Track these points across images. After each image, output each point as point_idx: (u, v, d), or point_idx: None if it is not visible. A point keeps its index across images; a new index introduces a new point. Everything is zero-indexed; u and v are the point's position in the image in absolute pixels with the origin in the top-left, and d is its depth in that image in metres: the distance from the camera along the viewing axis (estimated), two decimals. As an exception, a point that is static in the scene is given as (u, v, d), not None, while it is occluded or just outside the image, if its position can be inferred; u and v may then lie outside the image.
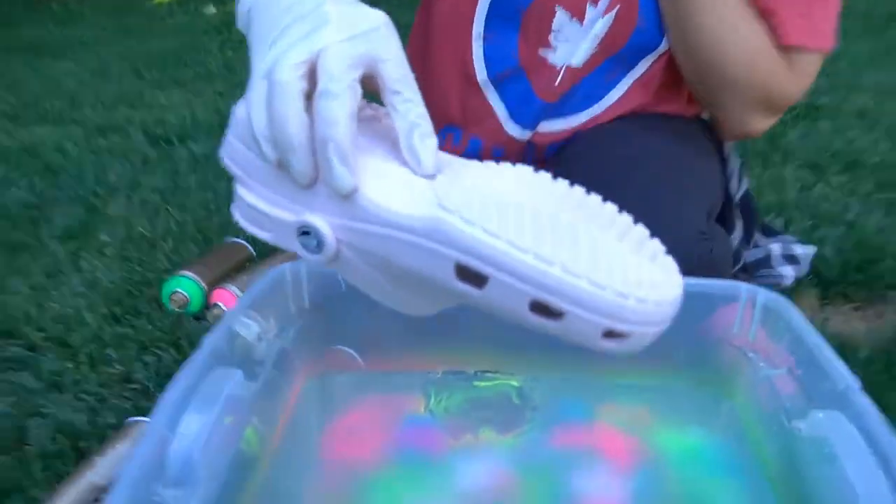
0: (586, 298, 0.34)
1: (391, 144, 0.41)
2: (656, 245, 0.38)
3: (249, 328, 0.53)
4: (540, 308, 0.35)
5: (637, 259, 0.36)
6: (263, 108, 0.37)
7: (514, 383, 0.58)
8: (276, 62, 0.37)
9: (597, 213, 0.37)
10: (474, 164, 0.41)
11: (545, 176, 0.39)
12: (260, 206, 0.40)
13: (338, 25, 0.38)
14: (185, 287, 1.08)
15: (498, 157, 0.77)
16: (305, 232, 0.39)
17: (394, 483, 0.50)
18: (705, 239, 0.62)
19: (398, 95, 0.39)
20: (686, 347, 0.57)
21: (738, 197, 0.81)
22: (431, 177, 0.38)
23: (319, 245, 0.39)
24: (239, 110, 0.40)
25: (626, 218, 0.38)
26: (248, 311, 0.52)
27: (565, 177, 0.40)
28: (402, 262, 0.38)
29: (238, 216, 0.42)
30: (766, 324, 0.53)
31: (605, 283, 0.34)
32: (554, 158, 0.76)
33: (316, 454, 0.53)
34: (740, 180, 0.82)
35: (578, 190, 0.39)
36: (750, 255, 0.85)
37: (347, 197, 0.37)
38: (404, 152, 0.39)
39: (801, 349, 0.49)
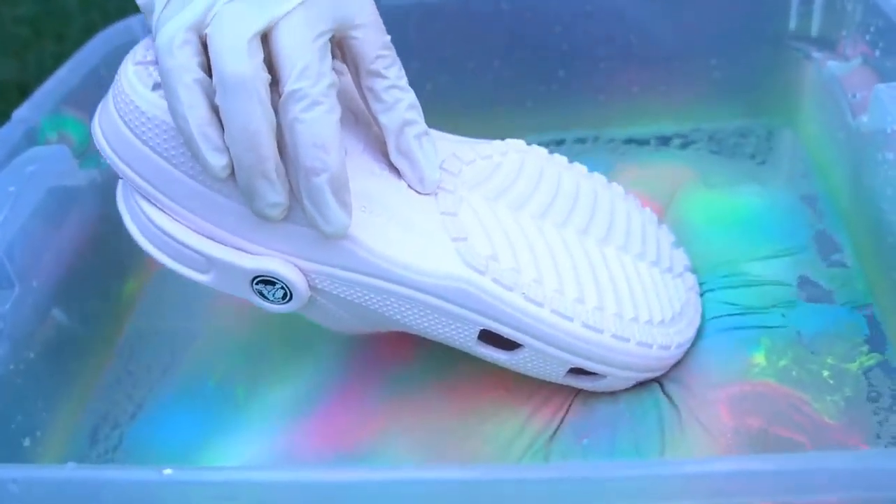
0: (633, 361, 0.38)
1: (367, 137, 0.38)
2: (681, 256, 0.44)
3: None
4: (578, 371, 0.39)
5: (675, 295, 0.41)
6: (203, 101, 0.32)
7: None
8: (221, 35, 0.32)
9: (624, 223, 0.41)
10: (469, 152, 0.40)
11: (560, 160, 0.42)
12: (185, 239, 0.36)
13: None
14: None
15: None
16: (266, 281, 0.36)
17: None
18: None
19: (380, 80, 0.36)
20: (725, 68, 0.54)
21: None
22: (433, 194, 0.38)
23: (287, 296, 0.37)
24: (132, 79, 0.35)
25: (651, 216, 0.44)
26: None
27: None
28: (402, 318, 0.37)
29: (141, 238, 0.37)
30: (832, 4, 0.49)
31: (651, 342, 0.38)
32: None
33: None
34: None
35: (598, 180, 0.43)
36: None
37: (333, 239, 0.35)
38: (395, 160, 0.38)
39: (881, 20, 0.44)
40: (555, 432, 0.39)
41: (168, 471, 0.26)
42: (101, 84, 0.51)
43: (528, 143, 0.56)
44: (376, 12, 0.36)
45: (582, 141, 0.56)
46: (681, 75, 0.55)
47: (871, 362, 0.39)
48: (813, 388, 0.38)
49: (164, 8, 0.33)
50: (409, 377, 0.42)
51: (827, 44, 0.50)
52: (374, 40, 0.35)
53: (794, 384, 0.38)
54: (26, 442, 0.40)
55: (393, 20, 0.52)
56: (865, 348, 0.39)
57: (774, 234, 0.46)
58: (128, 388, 0.45)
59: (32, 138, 0.46)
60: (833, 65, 0.48)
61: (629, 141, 0.56)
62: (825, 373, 0.38)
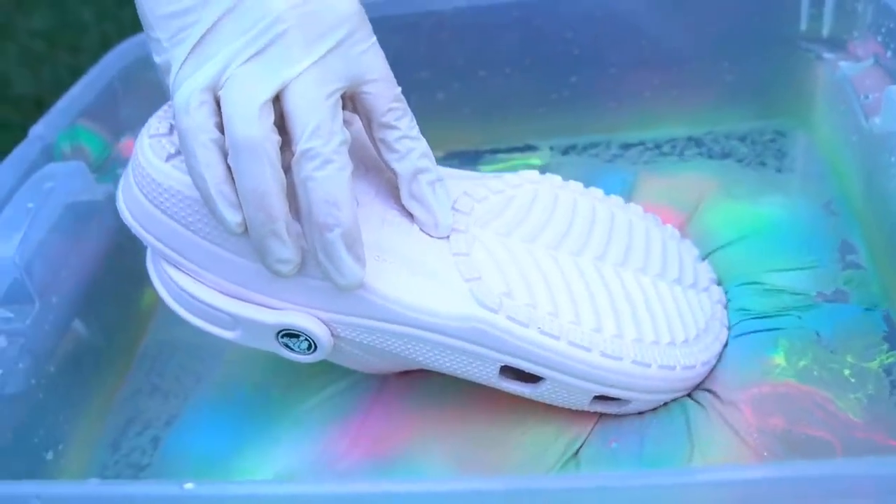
0: (657, 385, 0.39)
1: (378, 183, 0.39)
2: (706, 269, 0.44)
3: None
4: (603, 397, 0.39)
5: (699, 311, 0.41)
6: (219, 160, 0.33)
7: (536, 161, 0.56)
8: (233, 100, 0.32)
9: (642, 243, 0.42)
10: (480, 189, 0.41)
11: (576, 186, 0.43)
12: (210, 299, 0.38)
13: (300, 32, 0.33)
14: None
15: None
16: (290, 334, 0.38)
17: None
18: None
19: (393, 131, 0.37)
20: (737, 71, 0.54)
21: None
22: (446, 238, 0.39)
23: (312, 347, 0.38)
24: (147, 152, 0.36)
25: (673, 233, 0.44)
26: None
27: None
28: (424, 359, 0.38)
29: (170, 300, 0.39)
30: (843, 5, 0.49)
31: (673, 363, 0.38)
32: None
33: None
34: None
35: (615, 202, 0.43)
36: None
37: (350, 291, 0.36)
38: (408, 205, 0.38)
39: (892, 20, 0.44)
40: (586, 438, 0.39)
41: (189, 485, 0.27)
42: (116, 99, 0.52)
43: (541, 149, 0.56)
44: (387, 66, 0.36)
45: (594, 145, 0.56)
46: (692, 79, 0.55)
47: (891, 360, 0.39)
48: (835, 386, 0.38)
49: (180, 68, 0.33)
50: (442, 385, 0.42)
51: (838, 45, 0.50)
52: (385, 94, 0.36)
53: (816, 383, 0.38)
54: (49, 455, 0.40)
55: (403, 30, 0.53)
56: (885, 346, 0.39)
57: (797, 246, 0.45)
58: (157, 398, 0.45)
59: (49, 155, 0.47)
60: (845, 66, 0.48)
61: (640, 144, 0.55)
62: (846, 371, 0.38)
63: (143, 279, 0.50)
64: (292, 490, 0.29)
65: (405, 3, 0.53)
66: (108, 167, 0.50)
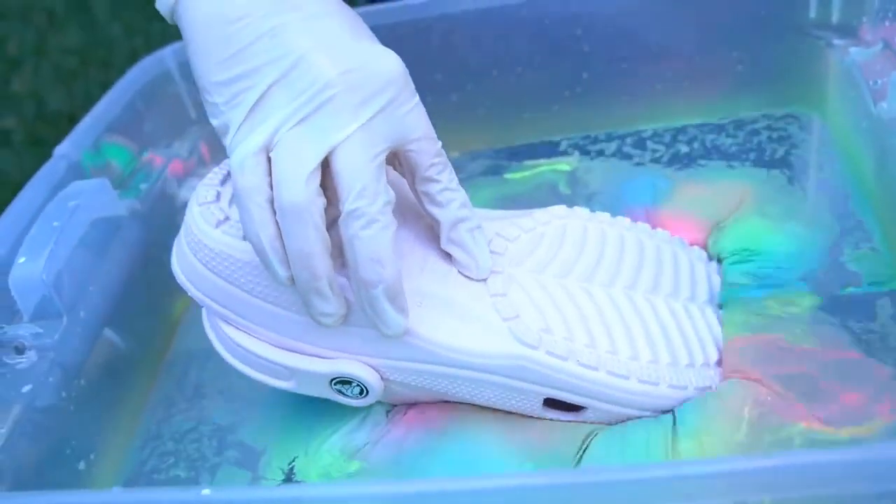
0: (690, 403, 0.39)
1: (416, 228, 0.41)
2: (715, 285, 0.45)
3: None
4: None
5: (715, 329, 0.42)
6: (273, 219, 0.35)
7: (564, 167, 0.56)
8: (283, 165, 0.34)
9: (671, 269, 0.43)
10: (512, 228, 0.42)
11: (603, 216, 0.44)
12: (265, 353, 0.40)
13: (348, 97, 0.34)
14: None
15: None
16: (343, 381, 0.40)
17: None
18: None
19: (435, 184, 0.38)
20: (748, 61, 0.54)
21: None
22: (483, 280, 0.40)
23: (364, 392, 0.40)
24: (197, 220, 0.38)
25: (700, 254, 0.46)
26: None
27: None
28: (470, 396, 0.40)
29: (227, 355, 0.41)
30: (851, -10, 0.49)
31: (709, 383, 0.39)
32: None
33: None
34: None
35: (642, 229, 0.44)
36: None
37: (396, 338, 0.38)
38: (448, 248, 0.40)
39: (898, 4, 0.44)
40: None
41: (206, 491, 0.27)
42: (140, 115, 0.53)
43: (557, 145, 0.56)
44: (429, 123, 0.37)
45: (609, 139, 0.56)
46: (704, 70, 0.54)
47: (810, 301, 0.41)
48: (777, 326, 0.40)
49: (236, 132, 0.35)
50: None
51: (848, 31, 0.50)
52: (428, 150, 0.37)
53: (761, 329, 0.40)
54: (81, 465, 0.41)
55: (416, 34, 0.54)
56: (803, 287, 0.42)
57: (797, 269, 0.44)
58: (197, 400, 0.46)
59: (74, 172, 0.48)
60: (855, 51, 0.48)
61: (655, 137, 0.55)
62: (777, 312, 0.41)
63: (168, 291, 0.51)
64: (307, 493, 0.29)
65: (416, 7, 0.54)
66: (132, 182, 0.51)
